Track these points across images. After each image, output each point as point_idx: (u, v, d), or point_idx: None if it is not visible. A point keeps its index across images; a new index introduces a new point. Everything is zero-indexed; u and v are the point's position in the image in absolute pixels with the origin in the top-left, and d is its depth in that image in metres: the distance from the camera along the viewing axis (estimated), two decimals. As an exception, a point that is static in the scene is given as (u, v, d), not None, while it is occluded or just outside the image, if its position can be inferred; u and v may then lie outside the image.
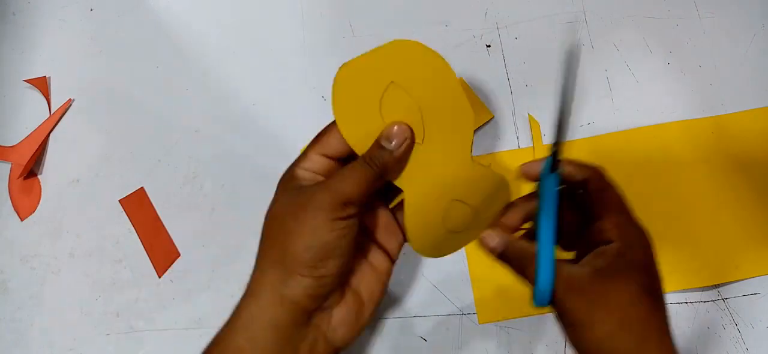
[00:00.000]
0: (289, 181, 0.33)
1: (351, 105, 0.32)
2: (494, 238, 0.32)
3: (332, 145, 0.33)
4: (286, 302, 0.30)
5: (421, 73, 0.31)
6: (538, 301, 0.29)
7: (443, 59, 0.31)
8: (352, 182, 0.30)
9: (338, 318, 0.32)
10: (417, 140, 0.32)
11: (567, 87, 0.31)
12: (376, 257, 0.35)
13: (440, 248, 0.35)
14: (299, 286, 0.30)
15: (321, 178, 0.32)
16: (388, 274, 0.35)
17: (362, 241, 0.34)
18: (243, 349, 0.30)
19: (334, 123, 0.33)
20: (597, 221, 0.31)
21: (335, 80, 0.32)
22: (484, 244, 0.32)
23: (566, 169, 0.33)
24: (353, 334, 0.33)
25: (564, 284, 0.29)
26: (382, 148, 0.31)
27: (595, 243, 0.31)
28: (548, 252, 0.30)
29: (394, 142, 0.31)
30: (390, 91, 0.32)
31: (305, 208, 0.30)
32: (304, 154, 0.33)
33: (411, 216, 0.33)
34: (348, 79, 0.32)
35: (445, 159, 0.33)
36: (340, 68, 0.32)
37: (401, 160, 0.32)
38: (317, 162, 0.33)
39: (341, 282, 0.33)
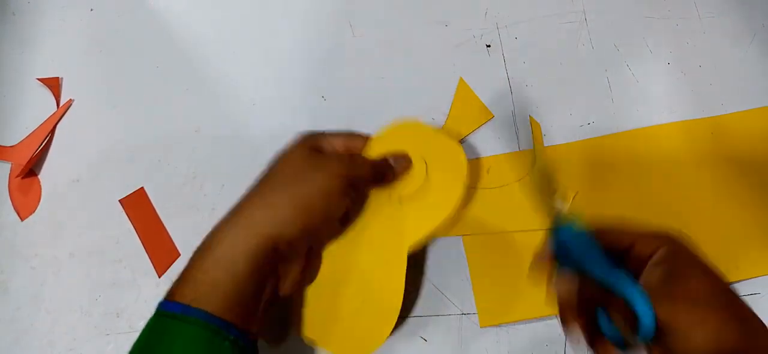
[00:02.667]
0: (310, 141, 0.37)
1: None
2: (562, 283, 0.31)
3: (357, 146, 0.39)
4: (269, 241, 0.32)
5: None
6: (646, 334, 0.28)
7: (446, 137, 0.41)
8: (362, 168, 0.37)
9: (293, 272, 0.34)
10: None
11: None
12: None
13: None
14: (290, 233, 0.32)
15: (328, 149, 0.38)
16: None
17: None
18: (219, 280, 0.31)
19: (365, 135, 0.40)
20: (627, 251, 0.31)
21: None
22: (557, 294, 0.31)
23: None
24: (295, 290, 0.35)
25: (656, 303, 0.28)
26: (388, 163, 0.39)
27: (640, 265, 0.31)
28: (630, 281, 0.29)
29: (397, 163, 0.39)
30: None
31: (323, 171, 0.34)
32: (334, 135, 0.38)
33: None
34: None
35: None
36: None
37: (396, 176, 0.39)
38: (341, 145, 0.38)
39: (316, 243, 0.37)
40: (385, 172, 0.39)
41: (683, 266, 0.30)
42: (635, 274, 0.31)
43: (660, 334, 0.28)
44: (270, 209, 0.33)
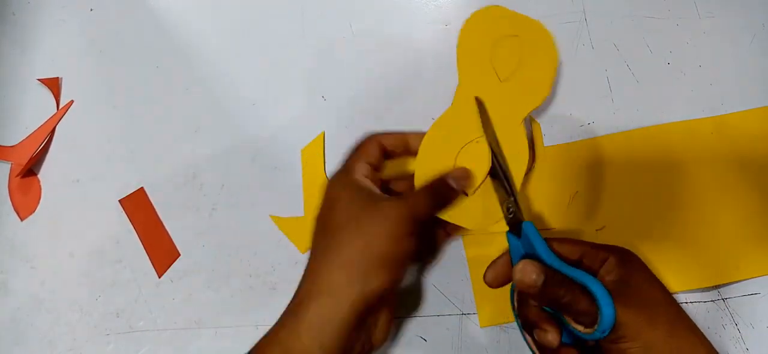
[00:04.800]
0: (350, 182, 0.36)
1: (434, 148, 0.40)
2: (532, 270, 0.31)
3: (374, 155, 0.38)
4: (359, 300, 0.31)
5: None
6: (606, 326, 0.29)
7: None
8: (424, 205, 0.35)
9: (382, 321, 0.35)
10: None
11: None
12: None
13: None
14: (377, 284, 0.32)
15: (372, 185, 0.36)
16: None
17: None
18: (309, 350, 0.31)
19: (373, 137, 0.38)
20: (576, 263, 0.33)
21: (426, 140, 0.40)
22: (521, 280, 0.31)
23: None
24: (388, 335, 0.35)
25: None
26: (450, 186, 0.37)
27: (592, 271, 0.33)
28: (592, 278, 0.30)
29: (461, 183, 0.37)
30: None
31: (385, 217, 0.33)
32: (352, 161, 0.37)
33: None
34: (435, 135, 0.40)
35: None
36: (429, 131, 0.40)
37: (459, 196, 0.37)
38: (366, 169, 0.37)
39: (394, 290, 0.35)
40: (447, 198, 0.37)
41: (634, 273, 0.32)
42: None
43: (612, 334, 0.30)
44: (350, 270, 0.32)
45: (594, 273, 0.33)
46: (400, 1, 0.51)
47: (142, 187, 0.46)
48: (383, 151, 0.39)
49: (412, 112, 0.45)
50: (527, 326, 0.35)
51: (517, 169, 0.38)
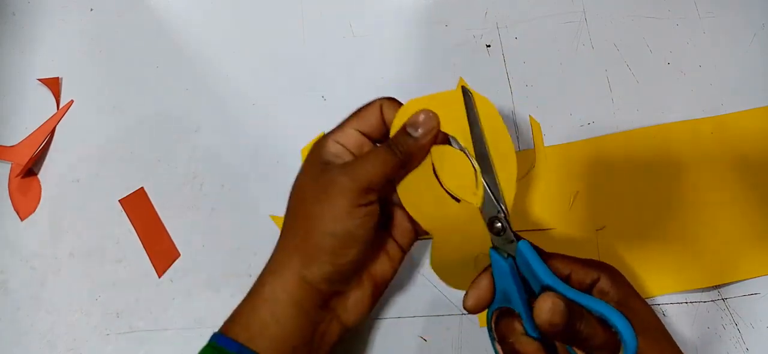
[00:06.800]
0: (318, 152, 0.33)
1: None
2: (559, 310, 0.27)
3: (370, 123, 0.33)
4: (306, 285, 0.31)
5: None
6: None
7: (493, 106, 0.34)
8: (373, 167, 0.30)
9: (353, 300, 0.33)
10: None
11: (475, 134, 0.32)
12: (391, 246, 0.35)
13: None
14: (319, 272, 0.31)
15: (349, 156, 0.32)
16: (400, 260, 0.36)
17: (379, 231, 0.35)
18: (267, 323, 0.31)
19: (375, 101, 0.33)
20: (568, 276, 0.32)
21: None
22: (550, 320, 0.27)
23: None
24: (364, 314, 0.34)
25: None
26: (408, 134, 0.31)
27: (584, 289, 0.32)
28: (606, 306, 0.29)
29: (420, 130, 0.32)
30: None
31: (327, 193, 0.30)
32: (341, 127, 0.33)
33: (438, 258, 0.34)
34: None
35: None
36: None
37: (425, 149, 0.32)
38: (352, 136, 0.33)
39: (359, 268, 0.33)
40: (406, 153, 0.31)
41: (628, 296, 0.31)
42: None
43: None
44: (295, 252, 0.31)
45: (586, 291, 0.31)
46: (400, 1, 0.51)
47: (142, 187, 0.46)
48: (383, 120, 0.33)
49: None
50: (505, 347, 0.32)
51: (505, 179, 0.33)
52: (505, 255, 0.32)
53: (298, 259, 0.31)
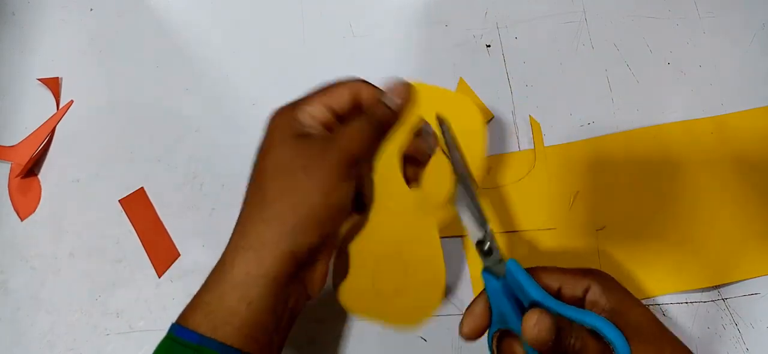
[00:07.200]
0: (290, 123, 0.33)
1: None
2: (546, 326, 0.27)
3: (339, 101, 0.33)
4: (288, 257, 0.30)
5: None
6: None
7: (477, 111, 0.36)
8: (359, 141, 0.32)
9: (319, 271, 0.33)
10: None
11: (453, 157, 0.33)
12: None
13: (366, 309, 0.37)
14: (307, 243, 0.30)
15: (321, 130, 0.33)
16: (354, 223, 0.36)
17: None
18: (235, 309, 0.29)
19: (343, 81, 0.34)
20: (558, 291, 0.32)
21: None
22: (537, 337, 0.27)
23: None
24: (324, 284, 0.34)
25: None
26: (384, 105, 0.33)
27: (576, 301, 0.31)
28: (598, 317, 0.29)
29: (396, 100, 0.34)
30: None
31: (318, 165, 0.31)
32: (308, 100, 0.33)
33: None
34: None
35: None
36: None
37: (396, 115, 0.34)
38: (321, 112, 0.33)
39: (335, 234, 0.33)
40: (384, 122, 0.33)
41: (621, 302, 0.31)
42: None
43: None
44: (278, 224, 0.30)
45: (578, 303, 0.31)
46: (400, 1, 0.51)
47: (142, 187, 0.46)
48: (355, 104, 0.34)
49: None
50: None
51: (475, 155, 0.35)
52: (497, 276, 0.32)
53: (279, 232, 0.30)
